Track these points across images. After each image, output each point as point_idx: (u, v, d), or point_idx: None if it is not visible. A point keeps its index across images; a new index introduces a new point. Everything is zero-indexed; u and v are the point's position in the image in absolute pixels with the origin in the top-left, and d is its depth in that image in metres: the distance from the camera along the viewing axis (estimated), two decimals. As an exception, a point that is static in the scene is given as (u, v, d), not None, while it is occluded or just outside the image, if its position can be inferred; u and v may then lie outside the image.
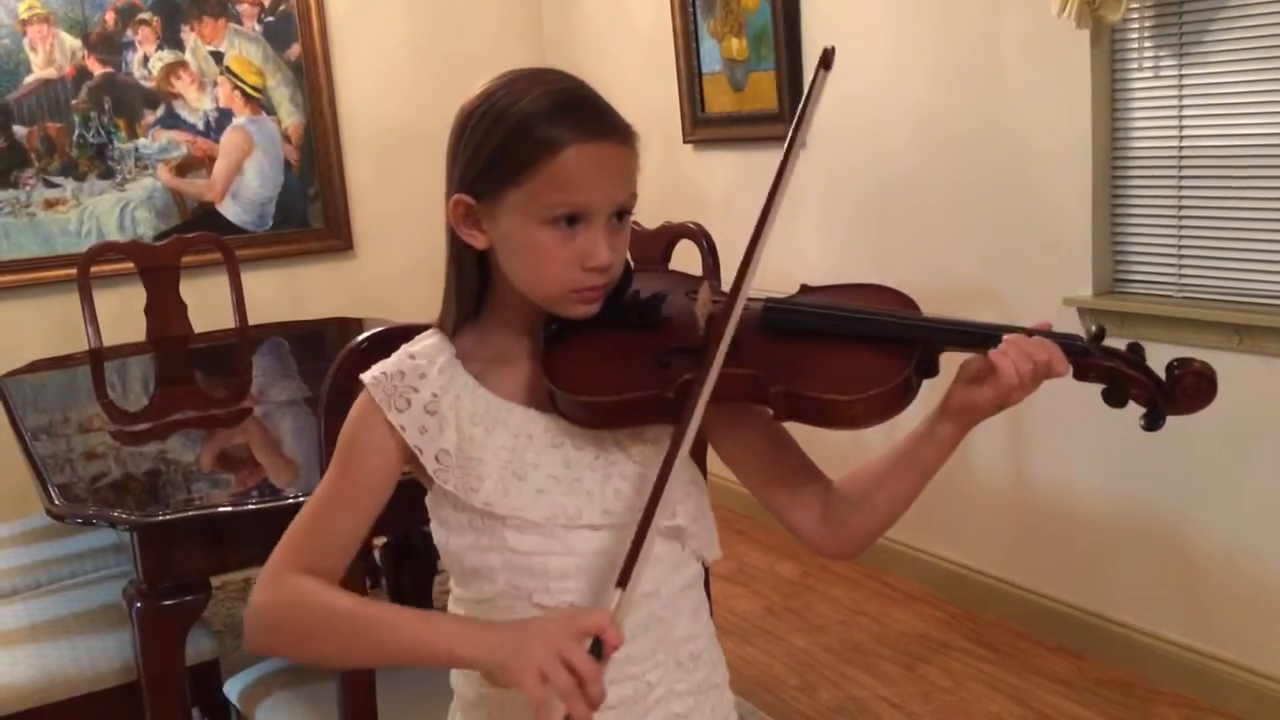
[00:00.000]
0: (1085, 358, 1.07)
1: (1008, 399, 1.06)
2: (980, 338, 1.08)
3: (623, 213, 1.13)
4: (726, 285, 1.15)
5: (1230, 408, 2.48)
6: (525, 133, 1.08)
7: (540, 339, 1.15)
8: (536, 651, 0.99)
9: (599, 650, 1.00)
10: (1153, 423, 1.08)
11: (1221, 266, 2.58)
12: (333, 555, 1.15)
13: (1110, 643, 2.90)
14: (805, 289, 1.21)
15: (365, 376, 1.16)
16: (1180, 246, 2.66)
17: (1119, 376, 1.07)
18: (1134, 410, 1.09)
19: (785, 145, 1.12)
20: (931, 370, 1.12)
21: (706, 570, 1.26)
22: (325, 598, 1.11)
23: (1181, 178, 2.63)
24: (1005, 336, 1.07)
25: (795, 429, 1.20)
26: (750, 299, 1.15)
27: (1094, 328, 1.11)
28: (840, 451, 1.38)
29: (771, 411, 1.11)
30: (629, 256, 1.18)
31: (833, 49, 1.11)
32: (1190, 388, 1.05)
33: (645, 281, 1.20)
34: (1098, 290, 2.80)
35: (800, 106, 1.13)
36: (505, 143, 1.08)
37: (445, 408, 1.14)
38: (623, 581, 1.03)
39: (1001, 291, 3.02)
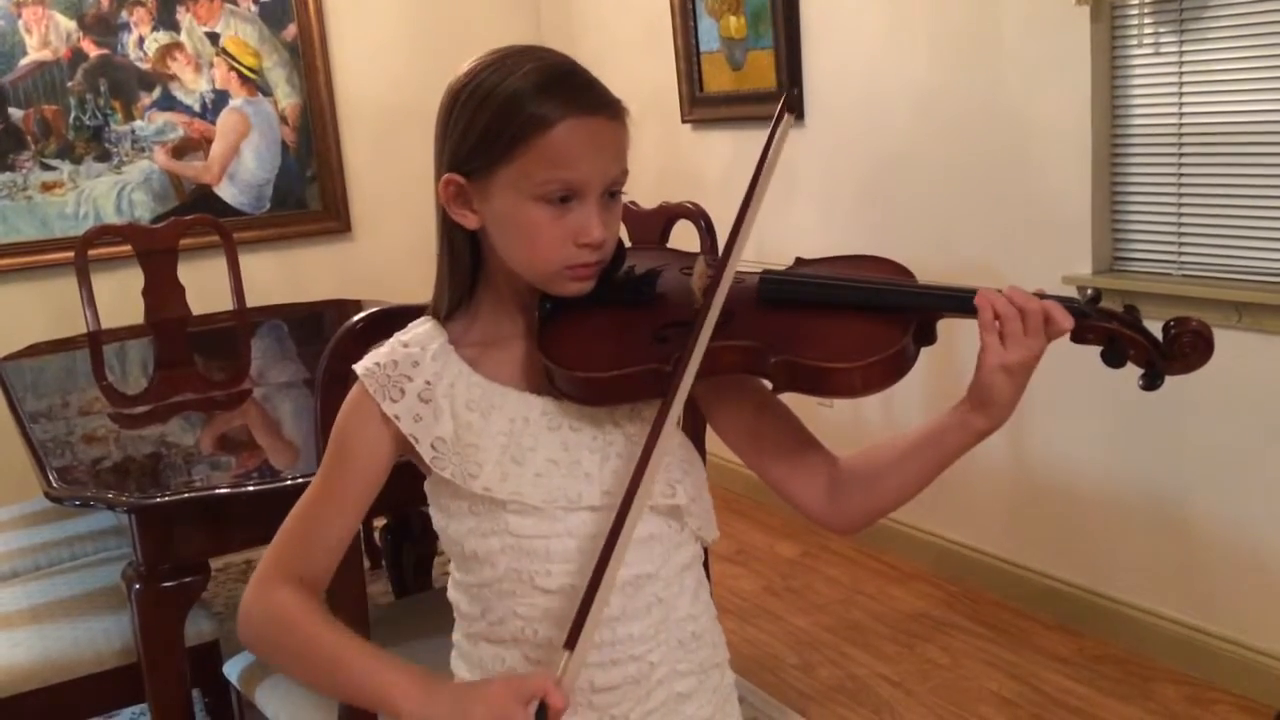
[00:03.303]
0: (1082, 319, 1.06)
1: (1002, 357, 1.03)
2: (971, 302, 1.06)
3: (615, 189, 1.12)
4: None
5: (1230, 384, 2.49)
6: (515, 109, 1.06)
7: (534, 319, 1.15)
8: (480, 715, 1.00)
9: (544, 715, 0.99)
10: (1151, 382, 1.07)
11: (1221, 244, 2.57)
12: (324, 554, 1.16)
13: (1109, 620, 2.90)
14: (800, 262, 1.21)
15: (358, 367, 1.16)
16: (1180, 224, 2.65)
17: (1116, 337, 1.06)
18: (1133, 388, 1.09)
19: (755, 171, 1.11)
20: (930, 338, 1.11)
21: (706, 551, 1.26)
22: (303, 622, 1.11)
23: (1181, 155, 2.62)
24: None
25: (796, 407, 1.20)
26: (746, 272, 1.14)
27: (1090, 290, 1.10)
28: (843, 429, 1.37)
29: (770, 384, 1.10)
30: (624, 234, 1.18)
31: (799, 95, 1.10)
32: (1187, 345, 1.04)
33: (640, 258, 1.20)
34: (1097, 268, 2.80)
35: (765, 146, 1.11)
36: (495, 120, 1.07)
37: (439, 395, 1.13)
38: (570, 643, 1.01)
39: (1001, 270, 3.01)
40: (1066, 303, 1.06)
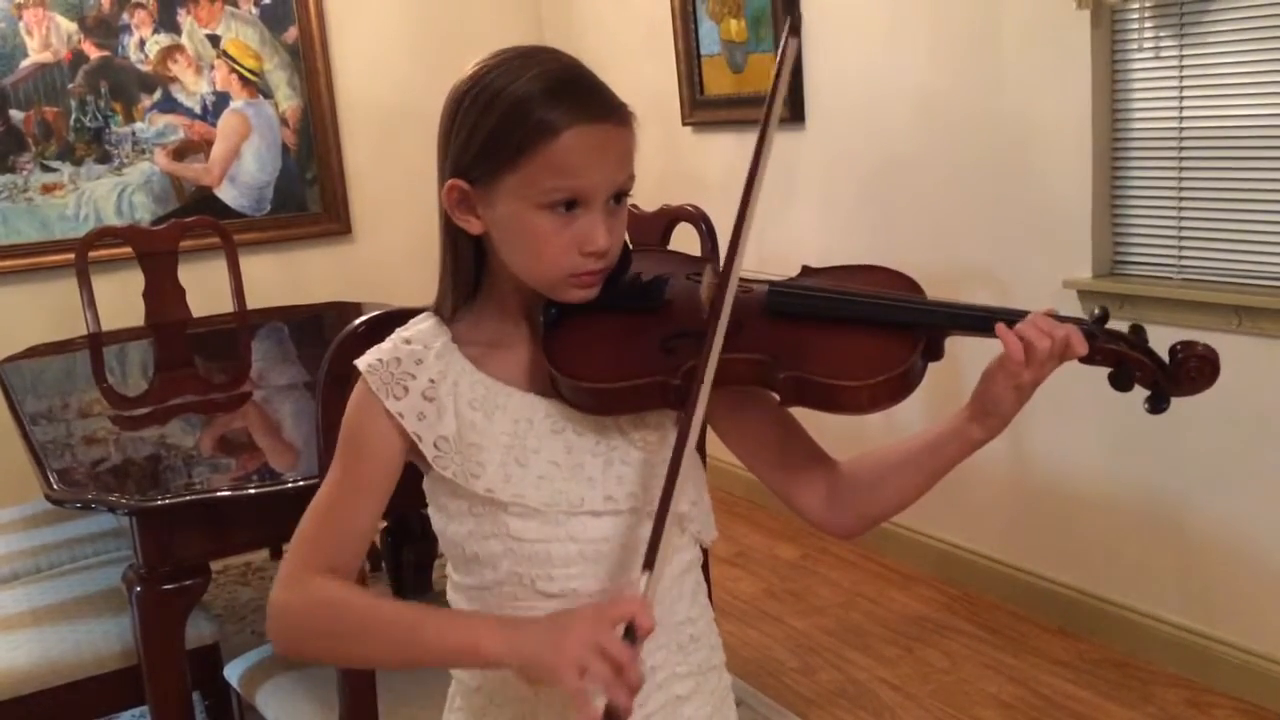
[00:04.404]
0: (1091, 340, 1.06)
1: (1020, 377, 1.04)
2: (986, 321, 1.07)
3: (620, 195, 1.11)
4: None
5: (1229, 389, 2.47)
6: (521, 116, 1.05)
7: (538, 323, 1.14)
8: (572, 644, 0.97)
9: (632, 636, 0.98)
10: (1157, 405, 1.07)
11: (1221, 248, 2.57)
12: (349, 548, 1.15)
13: (1109, 624, 2.90)
14: (807, 270, 1.20)
15: (360, 363, 1.14)
16: (1180, 228, 2.65)
17: (1124, 359, 1.06)
18: (1135, 393, 1.09)
19: (764, 111, 1.10)
20: (937, 354, 1.11)
21: (705, 553, 1.26)
22: (352, 598, 1.10)
23: (1182, 159, 2.62)
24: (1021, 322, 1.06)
25: (798, 410, 1.19)
26: (755, 281, 1.13)
27: (1096, 310, 1.10)
28: (842, 433, 1.38)
29: (778, 397, 1.10)
30: (627, 239, 1.17)
31: (800, 16, 1.08)
32: (1194, 370, 1.05)
33: (646, 263, 1.19)
34: (1097, 272, 2.80)
35: (774, 75, 1.10)
36: (500, 126, 1.06)
37: (443, 394, 1.12)
38: (649, 564, 1.01)
39: (1001, 274, 3.01)
40: (1077, 324, 1.07)
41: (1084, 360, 1.07)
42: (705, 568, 1.26)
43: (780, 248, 3.47)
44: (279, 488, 2.02)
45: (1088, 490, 2.93)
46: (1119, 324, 1.09)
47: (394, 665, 1.07)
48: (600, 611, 1.00)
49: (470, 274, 1.15)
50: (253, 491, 2.01)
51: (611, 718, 0.95)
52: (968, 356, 1.09)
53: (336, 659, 1.13)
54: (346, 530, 1.14)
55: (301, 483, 1.97)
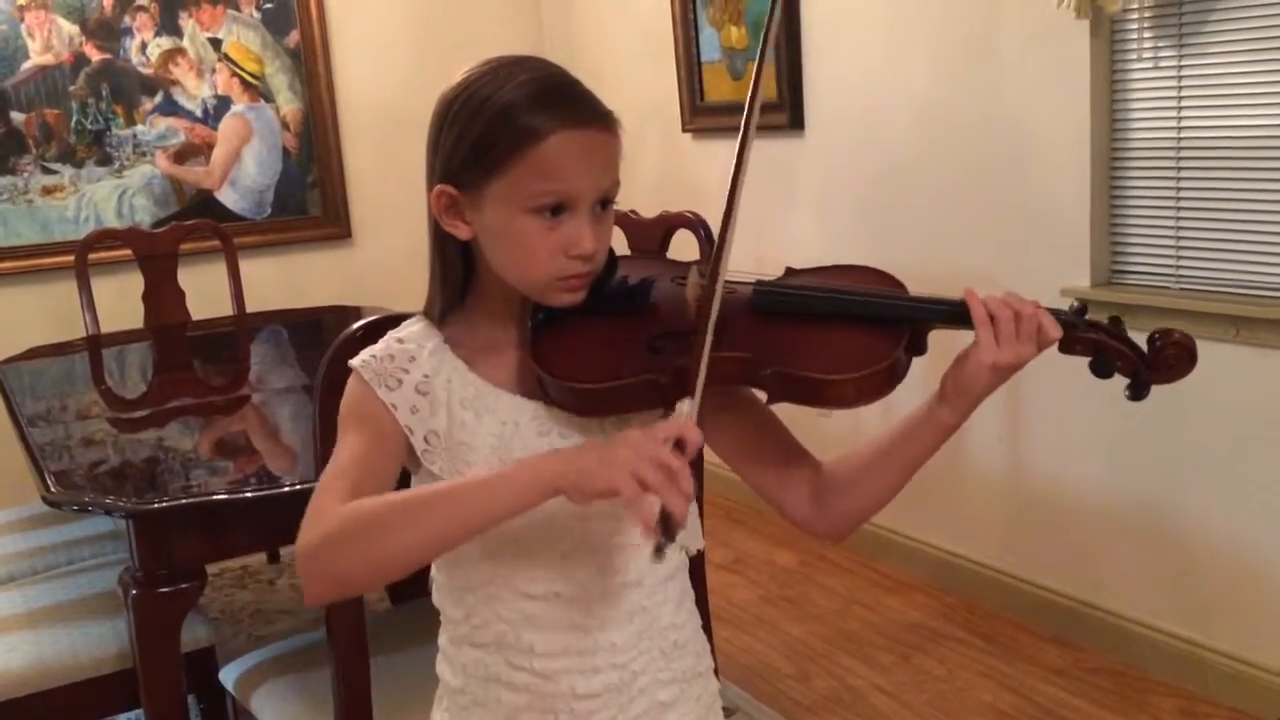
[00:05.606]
0: (1070, 330, 1.08)
1: (996, 353, 1.06)
2: (965, 313, 1.09)
3: (606, 200, 1.13)
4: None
5: (1227, 399, 2.50)
6: (508, 121, 1.07)
7: (526, 327, 1.15)
8: (626, 455, 0.97)
9: (682, 449, 1.00)
10: (1137, 393, 1.09)
11: (1219, 258, 2.58)
12: (375, 491, 1.09)
13: (1104, 633, 2.90)
14: (791, 272, 1.22)
15: (354, 361, 1.16)
16: (1178, 238, 2.66)
17: (1103, 348, 1.09)
18: (1127, 398, 1.11)
19: (754, 72, 1.12)
20: (920, 349, 1.12)
21: (700, 559, 1.26)
22: (383, 497, 1.06)
23: (1180, 169, 2.63)
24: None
25: (793, 414, 1.20)
26: (740, 282, 1.15)
27: (1074, 303, 1.12)
28: (839, 434, 1.38)
29: (764, 394, 1.11)
30: (625, 243, 1.18)
31: None
32: (1172, 356, 1.08)
33: (632, 268, 1.21)
34: (1095, 281, 2.80)
35: (764, 32, 1.12)
36: (487, 132, 1.08)
37: (438, 389, 1.14)
38: (691, 392, 1.03)
39: (999, 282, 3.00)
40: (1055, 314, 1.09)
41: (1063, 349, 1.09)
42: (701, 574, 1.27)
43: (780, 254, 3.46)
44: (276, 491, 2.02)
45: (1084, 499, 2.94)
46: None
47: (445, 537, 1.02)
48: (650, 430, 1.00)
49: (458, 279, 1.17)
50: (250, 495, 2.01)
51: (666, 521, 0.96)
52: (957, 350, 1.10)
53: (379, 555, 1.05)
54: (368, 482, 1.10)
55: (299, 486, 1.97)
